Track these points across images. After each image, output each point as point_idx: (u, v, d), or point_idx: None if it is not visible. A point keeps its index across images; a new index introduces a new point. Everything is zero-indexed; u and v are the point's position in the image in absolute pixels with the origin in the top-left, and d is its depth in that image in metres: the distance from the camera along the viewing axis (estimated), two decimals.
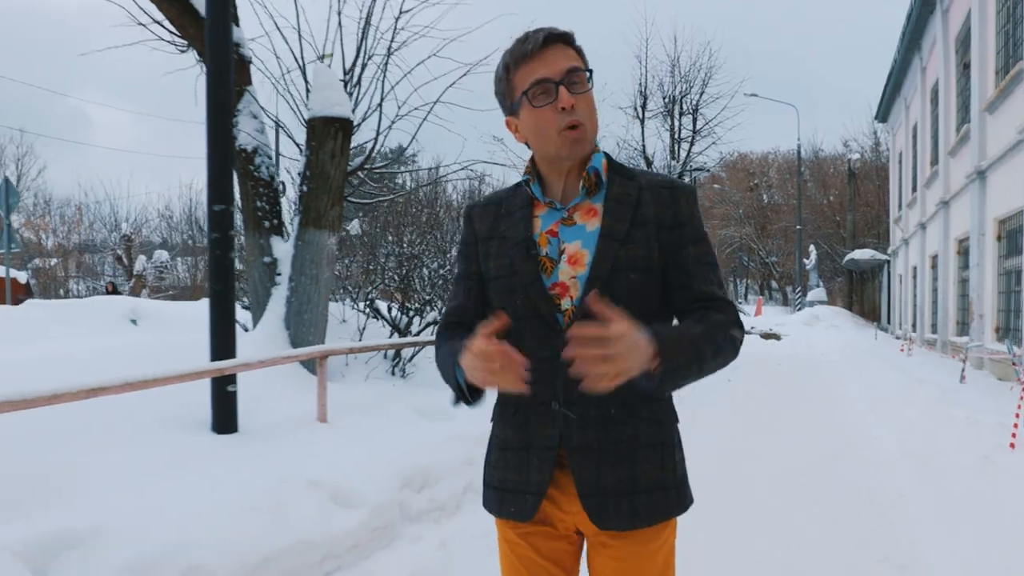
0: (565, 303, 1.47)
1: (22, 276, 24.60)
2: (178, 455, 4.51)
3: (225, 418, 5.09)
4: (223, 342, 5.18)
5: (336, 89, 7.24)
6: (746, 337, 1.56)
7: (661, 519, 1.52)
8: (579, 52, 1.50)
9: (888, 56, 22.66)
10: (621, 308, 1.30)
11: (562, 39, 1.46)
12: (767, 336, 24.02)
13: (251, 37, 7.34)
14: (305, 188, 7.04)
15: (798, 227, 39.29)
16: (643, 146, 22.47)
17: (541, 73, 1.43)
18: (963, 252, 13.43)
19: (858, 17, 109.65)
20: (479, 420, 2.12)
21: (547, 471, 1.50)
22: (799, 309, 35.30)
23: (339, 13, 7.95)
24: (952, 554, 4.15)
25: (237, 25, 6.57)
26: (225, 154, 5.24)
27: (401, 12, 8.00)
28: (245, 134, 6.64)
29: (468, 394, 1.50)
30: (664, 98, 22.81)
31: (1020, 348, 10.49)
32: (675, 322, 1.56)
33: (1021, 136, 8.51)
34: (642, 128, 22.50)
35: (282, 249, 7.00)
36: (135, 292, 21.45)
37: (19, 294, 19.84)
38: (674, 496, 1.54)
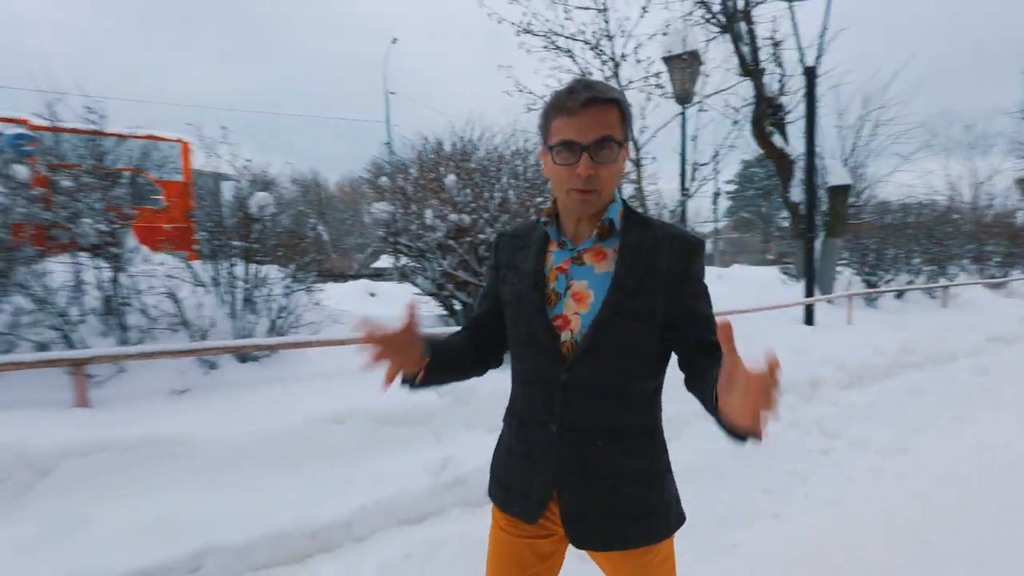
0: (565, 336, 1.07)
1: None
2: (796, 334, 6.89)
3: (809, 319, 7.35)
4: (809, 290, 7.58)
5: (842, 169, 9.27)
6: None
7: (636, 545, 1.08)
8: (624, 115, 1.02)
9: None
10: (614, 351, 1.04)
11: (607, 102, 0.99)
12: None
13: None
14: (827, 217, 8.97)
15: None
16: None
17: (570, 135, 0.98)
18: None
19: None
20: None
21: (547, 483, 1.10)
22: None
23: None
24: None
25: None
26: (812, 204, 7.56)
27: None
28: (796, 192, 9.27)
29: (407, 378, 1.05)
30: None
31: None
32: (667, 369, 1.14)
33: None
34: None
35: (816, 246, 8.32)
36: None
37: None
38: (655, 521, 1.10)
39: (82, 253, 3.65)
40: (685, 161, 7.89)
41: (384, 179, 5.36)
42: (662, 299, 1.04)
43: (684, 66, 8.11)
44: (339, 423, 3.23)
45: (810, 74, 7.51)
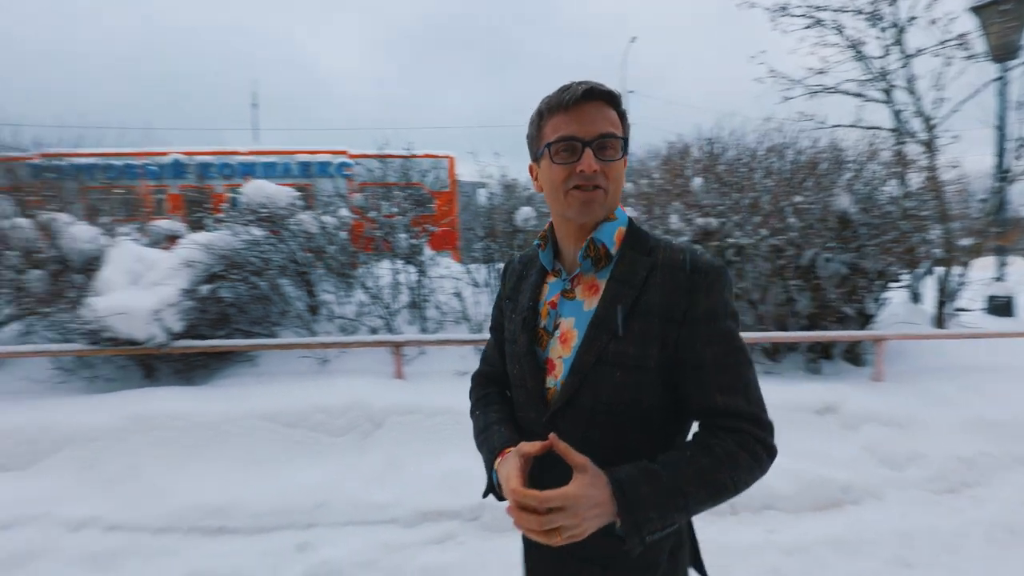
0: (550, 382, 0.94)
1: None
2: None
3: None
4: None
5: None
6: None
7: None
8: (621, 116, 0.93)
9: None
10: (598, 405, 0.88)
11: (605, 98, 0.90)
12: None
13: None
14: None
15: None
16: None
17: (571, 130, 0.89)
18: None
19: None
20: None
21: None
22: None
23: None
24: None
25: None
26: None
27: None
28: None
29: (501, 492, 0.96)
30: None
31: None
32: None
33: None
34: None
35: None
36: None
37: None
38: None
39: (397, 260, 4.73)
40: (1005, 136, 6.23)
41: (628, 185, 5.58)
42: (657, 345, 0.85)
43: (1004, 16, 6.39)
44: None
45: None
